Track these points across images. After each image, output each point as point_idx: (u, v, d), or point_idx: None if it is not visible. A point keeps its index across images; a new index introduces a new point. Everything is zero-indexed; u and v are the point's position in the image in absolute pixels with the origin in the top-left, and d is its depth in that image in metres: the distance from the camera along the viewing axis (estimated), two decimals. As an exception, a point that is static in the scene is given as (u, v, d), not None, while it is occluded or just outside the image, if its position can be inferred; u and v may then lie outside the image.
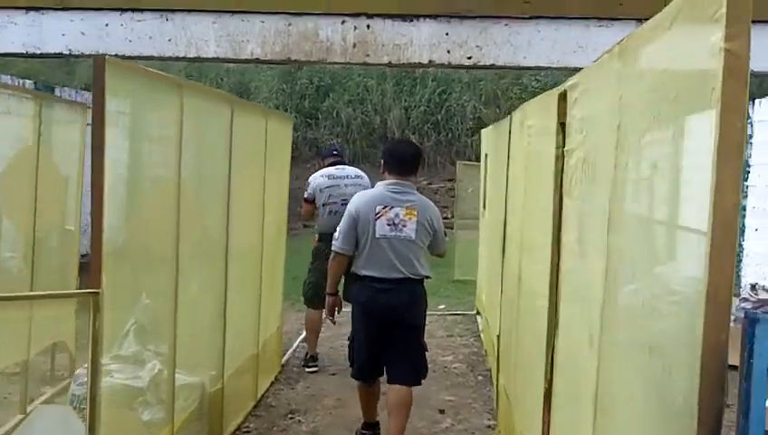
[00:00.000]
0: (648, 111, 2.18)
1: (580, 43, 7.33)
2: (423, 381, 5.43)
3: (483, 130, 10.21)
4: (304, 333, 8.30)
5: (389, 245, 5.10)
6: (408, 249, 5.13)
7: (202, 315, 4.78)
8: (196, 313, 4.63)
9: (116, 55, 7.69)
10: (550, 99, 3.87)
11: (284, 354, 7.51)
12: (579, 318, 3.67)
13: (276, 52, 7.39)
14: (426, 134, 19.74)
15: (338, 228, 5.31)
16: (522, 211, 4.68)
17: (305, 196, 7.23)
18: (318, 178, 7.22)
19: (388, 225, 5.12)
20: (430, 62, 7.41)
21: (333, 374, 7.08)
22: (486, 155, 8.95)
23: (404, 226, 5.13)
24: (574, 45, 7.31)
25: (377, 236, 5.11)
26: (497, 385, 5.83)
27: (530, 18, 6.66)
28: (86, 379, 4.74)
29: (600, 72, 2.94)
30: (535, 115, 4.40)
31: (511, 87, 20.01)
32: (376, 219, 5.12)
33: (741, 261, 9.54)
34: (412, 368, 5.27)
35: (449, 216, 17.55)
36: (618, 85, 2.51)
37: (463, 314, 9.60)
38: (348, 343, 5.66)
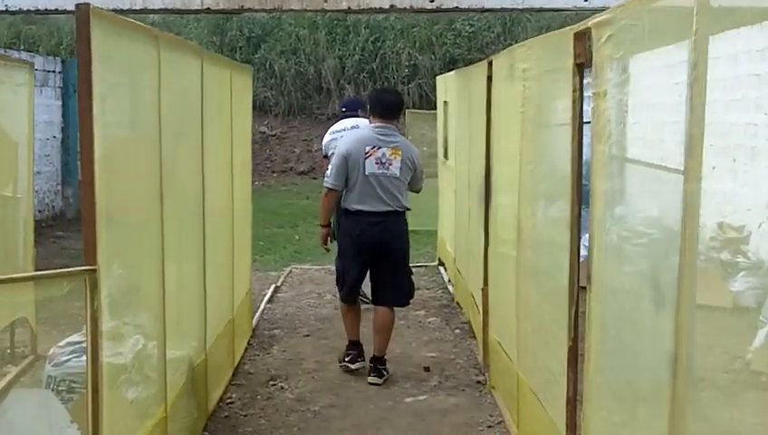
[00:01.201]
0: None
1: (546, -19, 7.13)
2: (401, 339, 6.06)
3: (439, 78, 9.95)
4: (269, 294, 8.05)
5: (378, 181, 5.65)
6: (394, 185, 5.69)
7: (185, 283, 4.47)
8: (180, 280, 4.32)
9: (56, 11, 7.22)
10: (561, 39, 3.63)
11: (253, 317, 7.21)
12: (618, 274, 3.51)
13: (228, 0, 7.01)
14: (362, 83, 19.38)
15: (329, 165, 5.87)
16: (519, 159, 4.46)
17: (323, 154, 7.27)
18: (326, 137, 7.28)
19: (377, 163, 5.66)
20: (392, 6, 7.14)
21: (307, 335, 6.84)
22: (446, 102, 8.70)
23: (390, 164, 5.68)
24: (541, -16, 7.12)
25: (366, 173, 5.64)
26: (485, 340, 5.67)
27: (496, -45, 6.42)
28: (64, 359, 4.47)
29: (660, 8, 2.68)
30: (535, 57, 4.17)
31: (445, 32, 19.71)
32: (365, 158, 5.65)
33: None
34: (401, 291, 5.89)
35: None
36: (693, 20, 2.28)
37: (425, 266, 9.42)
38: (337, 270, 6.12)
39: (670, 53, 4.10)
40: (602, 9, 6.91)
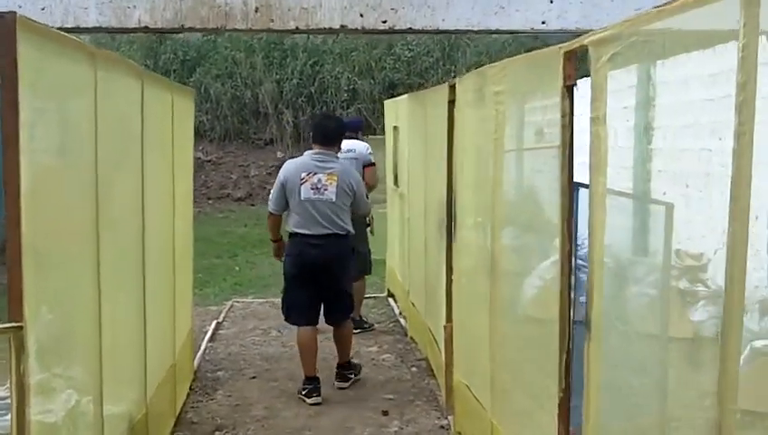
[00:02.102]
0: None
1: (501, 3, 6.85)
2: (355, 382, 6.17)
3: (388, 102, 9.60)
4: (210, 331, 7.57)
5: (313, 206, 5.86)
6: (330, 210, 5.87)
7: (124, 327, 4.00)
8: (118, 325, 3.85)
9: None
10: (548, 59, 3.31)
11: (194, 357, 6.71)
12: (623, 316, 3.18)
13: (167, 19, 6.52)
14: (300, 108, 19.02)
15: (271, 191, 6.21)
16: (492, 187, 4.11)
17: None
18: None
19: (312, 189, 5.87)
20: (342, 27, 6.74)
21: (254, 377, 6.37)
22: (395, 127, 8.35)
23: (326, 189, 5.87)
24: (495, 6, 6.84)
25: (302, 198, 5.87)
26: (449, 381, 5.30)
27: (450, -24, 6.11)
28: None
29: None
30: (512, 79, 3.83)
31: (384, 57, 19.47)
32: (301, 184, 5.88)
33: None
34: (343, 310, 6.17)
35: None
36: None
37: (374, 297, 9.02)
38: (282, 295, 6.26)
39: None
40: (560, 32, 6.62)
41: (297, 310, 6.02)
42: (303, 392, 5.88)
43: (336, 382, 6.15)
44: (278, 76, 19.12)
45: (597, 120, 2.83)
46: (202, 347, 7.10)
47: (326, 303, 6.09)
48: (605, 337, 2.88)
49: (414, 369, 6.52)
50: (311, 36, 19.68)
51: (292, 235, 5.97)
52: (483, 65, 5.32)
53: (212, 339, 7.45)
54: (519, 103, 3.85)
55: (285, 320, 6.24)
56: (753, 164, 2.22)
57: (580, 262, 4.38)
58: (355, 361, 6.47)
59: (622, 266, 3.59)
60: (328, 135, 6.03)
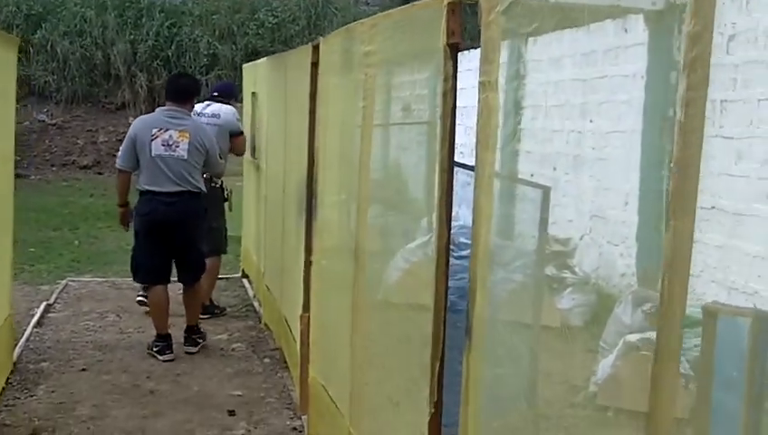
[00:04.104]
0: None
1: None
2: (200, 372, 5.66)
3: (247, 66, 8.90)
4: (37, 315, 6.74)
5: (165, 163, 5.74)
6: (182, 167, 5.77)
7: None
8: None
9: None
10: (427, 12, 2.78)
11: (15, 346, 5.90)
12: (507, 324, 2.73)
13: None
14: (155, 71, 17.90)
15: (120, 148, 6.04)
16: (358, 165, 3.57)
17: None
18: None
19: (163, 145, 5.75)
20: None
21: (83, 370, 5.62)
22: (254, 94, 7.69)
23: (177, 146, 5.76)
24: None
25: (153, 155, 5.74)
26: (303, 378, 4.75)
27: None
28: None
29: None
30: (384, 37, 3.29)
31: (247, 22, 18.62)
32: (152, 140, 5.75)
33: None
34: (195, 269, 6.09)
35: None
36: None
37: (227, 278, 8.35)
38: (131, 254, 6.12)
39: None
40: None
41: (146, 268, 5.96)
42: (155, 349, 5.87)
43: (186, 347, 6.02)
44: (132, 37, 17.93)
45: (487, 86, 2.34)
46: (26, 333, 6.29)
47: (177, 262, 6.02)
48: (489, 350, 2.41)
49: (267, 360, 5.93)
50: (168, -5, 18.62)
51: (143, 192, 5.84)
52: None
53: (39, 324, 6.63)
54: (392, 66, 3.32)
55: (133, 279, 6.32)
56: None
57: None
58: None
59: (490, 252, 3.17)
60: (180, 91, 5.99)
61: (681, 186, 1.25)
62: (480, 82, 2.36)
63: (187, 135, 5.78)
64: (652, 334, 4.95)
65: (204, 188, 5.96)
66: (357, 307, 3.63)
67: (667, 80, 6.77)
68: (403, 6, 3.09)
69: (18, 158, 16.70)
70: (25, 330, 6.35)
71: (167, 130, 5.77)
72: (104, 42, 17.90)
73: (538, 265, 4.89)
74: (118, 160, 5.98)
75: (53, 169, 16.96)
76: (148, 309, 6.39)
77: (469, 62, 2.82)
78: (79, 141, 17.58)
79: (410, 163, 3.61)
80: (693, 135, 1.23)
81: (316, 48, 4.44)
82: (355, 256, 3.61)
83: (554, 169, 8.86)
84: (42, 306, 7.04)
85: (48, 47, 17.54)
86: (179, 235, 5.85)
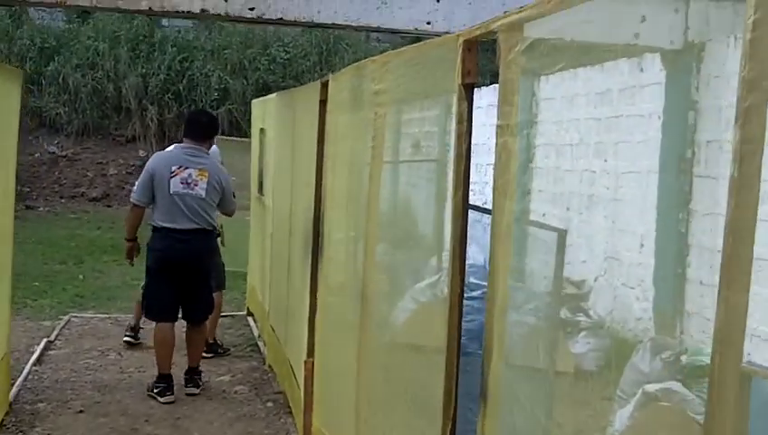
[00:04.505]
0: None
1: (384, -3, 6.25)
2: (200, 416, 5.47)
3: (255, 101, 8.80)
4: (37, 353, 6.58)
5: (183, 200, 5.72)
6: (199, 205, 5.77)
7: None
8: None
9: None
10: (442, 50, 2.65)
11: (13, 386, 5.72)
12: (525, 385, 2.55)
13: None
14: (166, 105, 17.88)
15: (136, 182, 5.97)
16: (367, 207, 3.42)
17: None
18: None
19: (182, 183, 5.74)
20: (203, 11, 5.93)
21: (80, 412, 5.43)
22: (262, 130, 7.57)
23: (196, 184, 5.76)
24: (377, 1, 6.19)
25: (171, 192, 5.72)
26: (308, 425, 4.55)
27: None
28: None
29: None
30: (396, 76, 3.15)
31: (258, 57, 18.61)
32: (171, 178, 5.73)
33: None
34: (204, 308, 6.03)
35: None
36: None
37: (232, 316, 8.18)
38: (142, 292, 6.20)
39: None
40: (446, 34, 5.98)
41: (159, 305, 5.89)
42: (156, 391, 5.74)
43: (187, 388, 5.87)
44: (144, 70, 17.93)
45: (506, 130, 2.19)
46: (24, 371, 6.11)
47: (187, 299, 5.91)
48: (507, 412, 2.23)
49: (270, 404, 5.73)
50: (181, 30, 18.65)
51: (158, 229, 5.78)
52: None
53: (39, 362, 6.46)
54: (403, 105, 3.18)
55: (146, 316, 6.19)
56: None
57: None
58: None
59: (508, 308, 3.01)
60: (199, 130, 5.97)
61: (735, 251, 1.08)
62: (498, 126, 2.21)
63: (206, 174, 5.78)
64: (672, 385, 4.75)
65: (218, 227, 6.03)
66: (362, 353, 3.46)
67: (684, 120, 6.62)
68: (416, 44, 2.95)
69: (28, 189, 16.86)
70: (24, 368, 6.17)
71: (186, 168, 5.75)
72: (116, 75, 17.91)
73: (552, 308, 4.72)
74: (133, 195, 5.94)
75: (62, 200, 16.90)
76: (143, 344, 6.60)
77: (480, 99, 2.68)
78: (89, 173, 17.53)
79: (419, 203, 3.46)
80: (748, 193, 1.07)
81: (325, 85, 4.31)
82: (362, 298, 3.45)
83: (567, 208, 8.69)
84: (42, 343, 6.88)
85: (60, 79, 17.56)
86: (192, 272, 5.82)
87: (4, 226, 5.21)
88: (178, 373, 5.91)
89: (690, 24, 5.41)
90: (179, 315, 5.99)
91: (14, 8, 17.29)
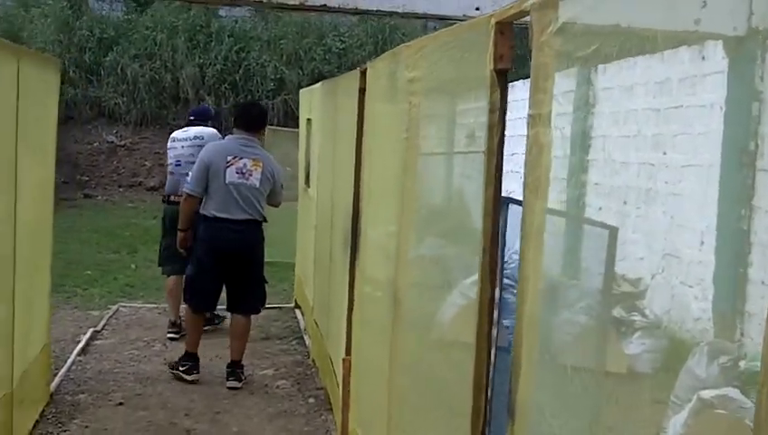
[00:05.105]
0: None
1: (434, -17, 6.06)
2: (240, 411, 5.36)
3: (303, 91, 8.69)
4: (82, 343, 6.57)
5: (237, 190, 5.76)
6: (253, 195, 5.80)
7: None
8: None
9: None
10: (473, 34, 2.46)
11: (56, 375, 5.70)
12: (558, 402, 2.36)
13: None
14: (223, 95, 17.91)
15: (190, 173, 6.02)
16: (400, 202, 3.25)
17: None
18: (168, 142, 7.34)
19: (237, 173, 5.78)
20: (247, -2, 5.85)
21: (120, 404, 5.38)
22: (309, 120, 7.45)
23: (251, 174, 5.80)
24: (427, -14, 6.01)
25: (227, 182, 5.75)
26: (344, 425, 4.42)
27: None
28: None
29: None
30: (429, 62, 2.97)
31: (314, 47, 18.53)
32: (226, 167, 5.77)
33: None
34: (253, 299, 6.01)
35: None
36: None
37: (279, 307, 8.10)
38: (187, 278, 6.07)
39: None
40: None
41: (203, 296, 5.92)
42: (182, 369, 5.85)
43: (229, 382, 5.82)
44: (201, 60, 17.99)
45: (537, 120, 2.00)
46: (68, 362, 6.09)
47: (238, 291, 5.92)
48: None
49: (311, 400, 5.61)
50: (238, 21, 18.66)
51: (209, 218, 5.77)
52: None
53: (83, 351, 6.43)
54: (437, 94, 3.00)
55: (185, 302, 6.10)
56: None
57: (506, 281, 3.59)
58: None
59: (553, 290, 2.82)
60: (252, 121, 6.04)
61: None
62: (529, 116, 2.02)
63: (261, 164, 5.83)
64: (729, 391, 4.47)
65: (267, 218, 5.99)
66: (394, 369, 3.30)
67: (747, 111, 6.30)
68: (450, 27, 2.77)
69: (86, 178, 17.08)
70: (69, 358, 6.16)
71: (241, 158, 5.79)
72: (173, 65, 18.00)
73: (602, 306, 4.50)
74: (188, 185, 5.94)
75: (120, 189, 17.07)
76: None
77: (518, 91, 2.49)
78: (146, 163, 17.67)
79: (456, 197, 3.28)
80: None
81: (364, 73, 4.15)
82: (396, 295, 3.29)
83: (624, 202, 8.40)
84: (88, 333, 6.86)
85: (118, 70, 17.70)
86: (244, 263, 5.84)
87: (44, 216, 5.17)
88: (220, 365, 5.85)
89: (755, 8, 5.10)
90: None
91: (72, -1, 17.49)
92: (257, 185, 5.79)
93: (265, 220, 5.96)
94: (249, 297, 5.95)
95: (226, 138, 6.26)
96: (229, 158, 5.78)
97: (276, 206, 6.34)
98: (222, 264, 5.78)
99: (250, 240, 5.84)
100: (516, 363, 1.99)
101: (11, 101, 4.12)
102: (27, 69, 4.31)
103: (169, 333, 6.95)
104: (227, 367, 5.90)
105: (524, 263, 2.00)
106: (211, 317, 6.86)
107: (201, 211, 5.86)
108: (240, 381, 5.84)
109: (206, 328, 6.45)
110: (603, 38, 2.04)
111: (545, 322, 2.27)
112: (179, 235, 6.11)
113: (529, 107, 2.04)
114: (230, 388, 5.77)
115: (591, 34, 1.98)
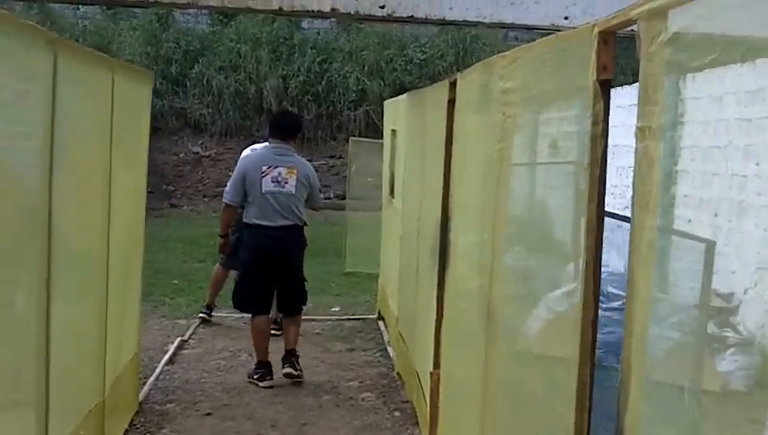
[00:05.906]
0: None
1: (520, -7, 5.99)
2: (326, 423, 5.41)
3: (388, 102, 8.69)
4: (170, 352, 6.67)
5: (274, 198, 5.98)
6: (290, 201, 6.03)
7: (26, 366, 3.10)
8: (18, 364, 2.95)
9: None
10: (574, 43, 2.40)
11: (144, 384, 5.80)
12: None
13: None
14: (305, 106, 18.09)
15: (228, 183, 6.27)
16: (493, 215, 3.20)
17: None
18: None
19: (273, 182, 5.99)
20: (333, 10, 5.87)
21: (208, 414, 5.44)
22: (394, 131, 7.44)
23: (286, 182, 6.01)
24: (513, -5, 5.94)
25: (263, 191, 5.97)
26: (432, 440, 4.37)
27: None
28: None
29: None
30: (525, 73, 2.91)
31: (395, 58, 18.59)
32: (262, 177, 5.98)
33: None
34: (296, 301, 6.30)
35: (330, 196, 15.97)
36: None
37: (363, 319, 8.09)
38: (235, 284, 6.40)
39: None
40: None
41: (255, 299, 6.12)
42: (256, 377, 6.05)
43: (286, 370, 6.10)
44: (284, 72, 18.23)
45: (647, 133, 1.92)
46: (157, 371, 6.19)
47: (284, 292, 6.21)
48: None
49: (397, 414, 5.57)
50: (320, 33, 18.84)
51: (251, 226, 6.03)
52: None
53: (171, 361, 6.53)
54: (533, 105, 2.94)
55: (236, 307, 6.39)
56: None
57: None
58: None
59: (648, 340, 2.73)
60: (286, 129, 6.26)
61: None
62: (638, 128, 1.95)
63: (295, 171, 6.04)
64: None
65: (307, 221, 6.23)
66: (489, 387, 3.23)
67: None
68: (547, 38, 2.71)
69: (172, 188, 17.42)
70: (157, 367, 6.25)
71: (276, 167, 6.00)
72: (257, 76, 18.27)
73: (701, 322, 4.35)
74: (226, 196, 6.20)
75: (205, 199, 17.35)
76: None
77: (622, 98, 2.41)
78: (230, 173, 17.85)
79: (551, 209, 3.21)
80: None
81: (453, 84, 4.11)
82: (488, 312, 3.23)
83: (715, 215, 8.14)
84: (176, 342, 6.97)
85: (204, 81, 18.05)
86: (287, 266, 6.11)
87: (136, 226, 5.27)
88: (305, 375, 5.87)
89: None
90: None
91: (161, 12, 17.90)
92: (293, 191, 6.01)
93: (306, 224, 6.19)
94: (292, 299, 6.25)
95: (261, 147, 6.49)
96: (264, 168, 5.99)
97: (317, 210, 6.67)
98: (267, 266, 6.02)
99: (290, 245, 6.09)
100: (625, 383, 1.92)
101: (106, 112, 4.21)
102: (121, 81, 4.40)
103: (201, 313, 7.78)
104: (282, 358, 6.15)
105: (634, 280, 1.93)
106: (279, 323, 6.85)
107: (244, 219, 6.14)
108: (295, 369, 6.10)
109: (276, 333, 6.61)
110: (718, 47, 1.96)
111: (653, 340, 2.19)
112: (219, 240, 6.68)
113: (637, 119, 1.97)
114: (285, 375, 6.08)
115: (706, 43, 1.90)
